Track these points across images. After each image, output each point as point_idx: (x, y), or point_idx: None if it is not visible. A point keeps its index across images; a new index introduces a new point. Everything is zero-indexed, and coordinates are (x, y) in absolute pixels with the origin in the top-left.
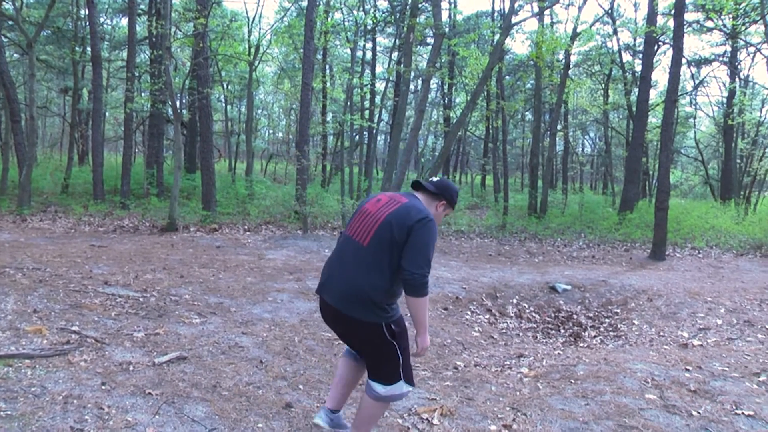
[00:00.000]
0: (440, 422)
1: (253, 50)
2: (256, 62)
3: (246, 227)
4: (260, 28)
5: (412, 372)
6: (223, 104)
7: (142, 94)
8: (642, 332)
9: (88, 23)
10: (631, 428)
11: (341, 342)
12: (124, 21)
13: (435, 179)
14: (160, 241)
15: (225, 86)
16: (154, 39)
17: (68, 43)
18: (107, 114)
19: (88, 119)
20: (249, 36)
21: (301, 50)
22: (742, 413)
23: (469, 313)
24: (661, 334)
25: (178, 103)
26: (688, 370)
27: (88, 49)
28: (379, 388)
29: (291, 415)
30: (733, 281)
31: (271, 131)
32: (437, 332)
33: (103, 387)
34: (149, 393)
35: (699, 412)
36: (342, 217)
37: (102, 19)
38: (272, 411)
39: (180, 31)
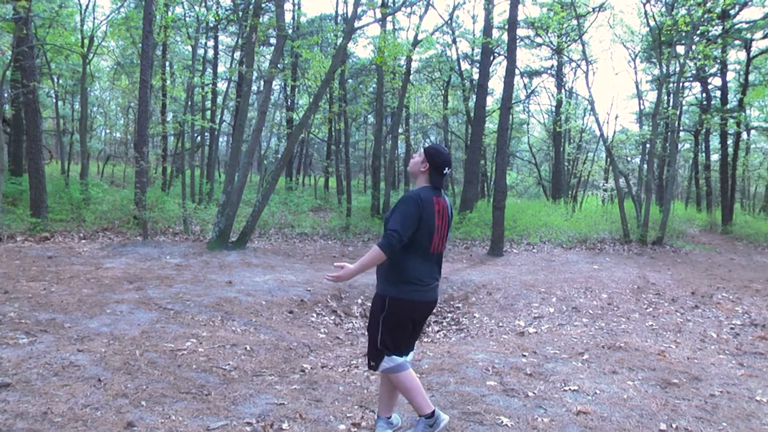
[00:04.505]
0: (289, 426)
1: (86, 42)
2: (91, 55)
3: (81, 235)
4: (95, 18)
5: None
6: (54, 100)
7: None
8: (482, 324)
9: None
10: (474, 414)
11: (185, 353)
12: None
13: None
14: None
15: (55, 80)
16: None
17: None
18: None
19: None
20: (82, 26)
21: (140, 45)
22: (569, 389)
23: (314, 315)
24: (500, 324)
25: None
26: (524, 355)
27: None
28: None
29: None
30: (563, 273)
31: (107, 131)
32: (283, 336)
33: None
34: None
35: (534, 393)
36: (184, 221)
37: None
38: None
39: None
